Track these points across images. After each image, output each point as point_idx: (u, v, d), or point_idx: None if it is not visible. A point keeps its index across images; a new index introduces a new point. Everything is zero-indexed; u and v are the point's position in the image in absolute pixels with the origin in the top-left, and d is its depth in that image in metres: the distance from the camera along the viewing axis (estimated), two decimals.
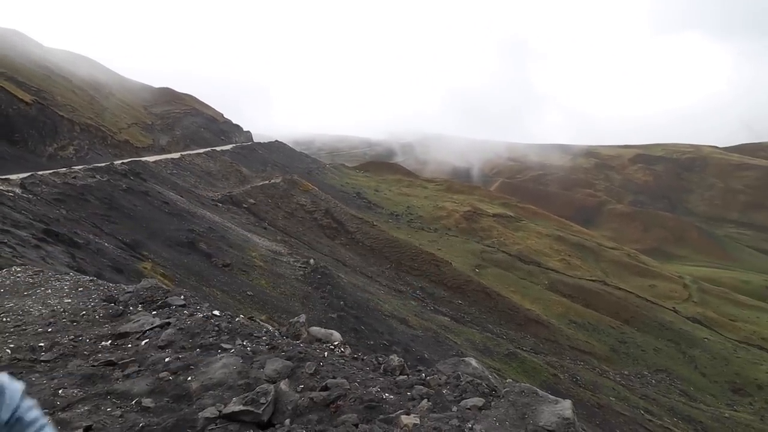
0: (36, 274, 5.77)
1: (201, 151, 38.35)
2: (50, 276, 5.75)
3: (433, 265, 30.94)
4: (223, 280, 13.63)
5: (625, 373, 26.71)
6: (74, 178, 16.27)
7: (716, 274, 57.28)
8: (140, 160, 25.80)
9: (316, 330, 4.52)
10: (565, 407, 2.93)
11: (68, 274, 6.61)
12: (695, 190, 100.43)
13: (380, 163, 75.36)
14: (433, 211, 46.11)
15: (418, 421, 2.84)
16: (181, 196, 21.22)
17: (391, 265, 29.92)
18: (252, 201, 28.82)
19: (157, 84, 54.54)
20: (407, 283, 28.40)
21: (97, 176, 17.17)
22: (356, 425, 2.89)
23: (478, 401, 3.12)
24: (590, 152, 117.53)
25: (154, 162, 27.56)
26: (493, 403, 3.13)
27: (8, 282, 5.37)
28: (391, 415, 2.94)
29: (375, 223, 34.84)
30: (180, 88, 58.11)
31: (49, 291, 5.15)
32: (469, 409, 3.05)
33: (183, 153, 35.03)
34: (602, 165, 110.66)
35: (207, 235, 16.82)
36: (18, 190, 12.88)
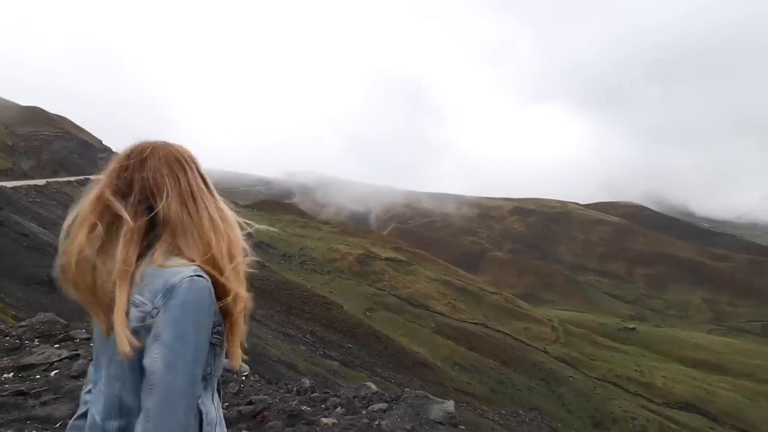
0: None
1: (72, 179, 34.62)
2: None
3: (325, 308, 30.58)
4: (84, 323, 12.16)
5: (503, 412, 28.16)
6: None
7: (578, 317, 63.75)
8: None
9: (225, 362, 4.66)
10: (449, 405, 3.80)
11: None
12: (561, 241, 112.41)
13: (275, 203, 73.96)
14: (326, 253, 45.98)
15: (336, 421, 3.44)
16: (45, 228, 18.83)
17: (282, 308, 29.00)
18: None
19: (25, 101, 48.88)
20: (297, 326, 27.63)
21: None
22: (282, 429, 3.37)
23: (383, 405, 3.85)
24: (475, 203, 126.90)
25: (12, 188, 24.26)
26: (394, 407, 3.84)
27: None
28: (312, 419, 3.49)
29: (266, 264, 33.77)
30: (53, 107, 52.60)
31: None
32: (376, 411, 3.74)
33: (50, 180, 31.34)
34: (485, 215, 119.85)
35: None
36: None
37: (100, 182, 1.18)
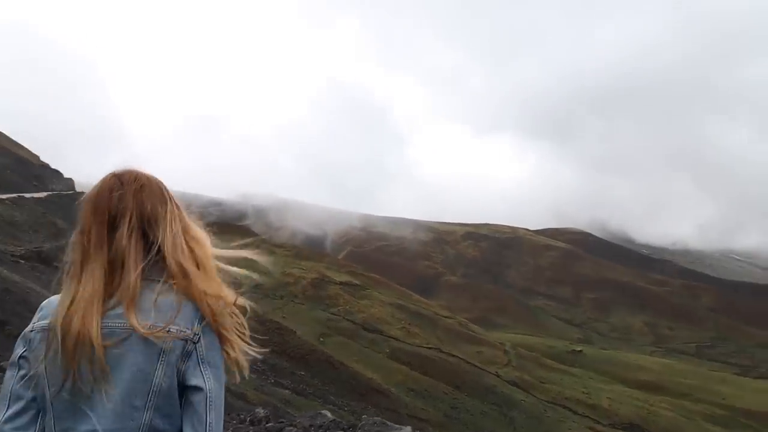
0: None
1: (4, 196, 32.33)
2: None
3: (277, 334, 29.69)
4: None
5: None
6: None
7: (529, 340, 65.12)
8: None
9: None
10: (407, 430, 3.77)
11: None
12: (512, 265, 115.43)
13: (225, 224, 72.02)
14: (280, 277, 44.97)
15: None
16: None
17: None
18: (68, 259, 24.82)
19: None
20: (247, 354, 26.60)
21: None
22: None
23: None
24: (429, 227, 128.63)
25: None
26: None
27: None
28: None
29: None
30: None
31: None
32: None
33: None
34: (439, 239, 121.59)
35: (2, 298, 13.87)
36: None
37: (94, 214, 1.20)
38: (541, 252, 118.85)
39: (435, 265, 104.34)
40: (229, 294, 1.27)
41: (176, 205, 1.30)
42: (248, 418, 4.14)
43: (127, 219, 1.19)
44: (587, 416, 38.82)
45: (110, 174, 1.25)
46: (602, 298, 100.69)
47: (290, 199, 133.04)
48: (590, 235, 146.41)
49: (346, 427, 3.91)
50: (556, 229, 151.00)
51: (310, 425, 3.86)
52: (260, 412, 4.16)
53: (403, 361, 36.34)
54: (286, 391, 23.43)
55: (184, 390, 1.15)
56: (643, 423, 39.68)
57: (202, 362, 1.16)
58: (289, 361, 27.86)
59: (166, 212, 1.24)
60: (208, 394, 1.14)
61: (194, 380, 1.14)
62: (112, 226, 1.18)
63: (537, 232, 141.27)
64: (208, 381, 1.15)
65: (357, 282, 52.39)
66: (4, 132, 47.33)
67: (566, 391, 42.65)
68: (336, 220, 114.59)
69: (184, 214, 1.32)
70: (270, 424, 4.00)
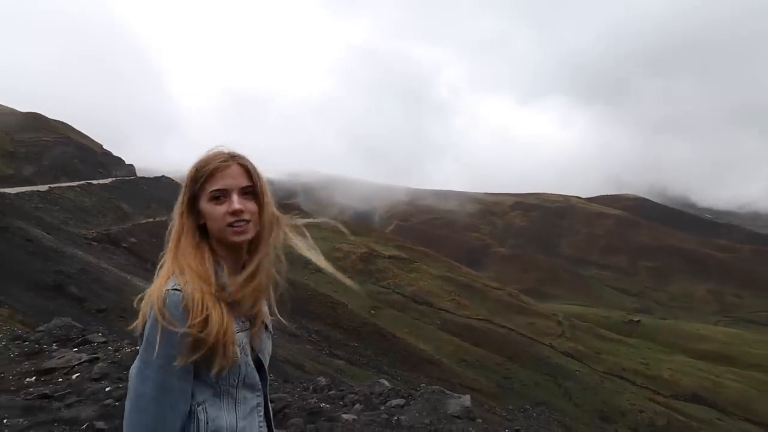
0: None
1: (74, 183, 34.62)
2: None
3: (329, 307, 30.59)
4: (99, 327, 12.16)
5: (510, 407, 28.14)
6: None
7: (583, 311, 63.71)
8: None
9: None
10: (466, 399, 3.86)
11: None
12: (564, 235, 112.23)
13: (276, 203, 73.94)
14: (329, 252, 45.99)
15: (356, 417, 3.44)
16: (48, 234, 18.85)
17: (287, 308, 29.01)
18: (133, 240, 26.44)
19: (26, 108, 48.96)
20: (303, 326, 27.65)
21: None
22: (304, 426, 3.40)
23: (400, 401, 3.87)
24: (477, 199, 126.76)
25: (16, 194, 24.31)
26: (411, 402, 3.86)
27: None
28: (332, 415, 3.49)
29: None
30: (55, 113, 52.61)
31: None
32: (393, 407, 3.78)
33: (52, 185, 31.33)
34: (487, 211, 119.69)
35: (78, 277, 15.02)
36: None
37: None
38: (594, 220, 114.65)
39: (483, 237, 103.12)
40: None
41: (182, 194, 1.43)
42: (311, 386, 4.36)
43: None
44: (646, 387, 37.85)
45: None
46: (661, 267, 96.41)
47: (337, 175, 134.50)
48: (648, 201, 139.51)
49: (405, 395, 4.05)
50: (611, 196, 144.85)
51: (371, 393, 4.02)
52: (321, 380, 4.39)
53: (453, 333, 36.58)
54: (341, 361, 24.24)
55: None
56: (707, 394, 38.26)
57: None
58: (342, 333, 28.72)
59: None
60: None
61: None
62: None
63: (590, 199, 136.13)
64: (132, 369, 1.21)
65: (405, 255, 52.74)
66: (68, 123, 50.35)
67: (623, 362, 41.64)
68: (383, 195, 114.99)
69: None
70: (332, 392, 4.18)
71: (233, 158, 1.28)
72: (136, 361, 1.18)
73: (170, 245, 1.28)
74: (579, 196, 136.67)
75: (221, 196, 1.25)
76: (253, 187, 1.31)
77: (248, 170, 1.30)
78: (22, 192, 25.78)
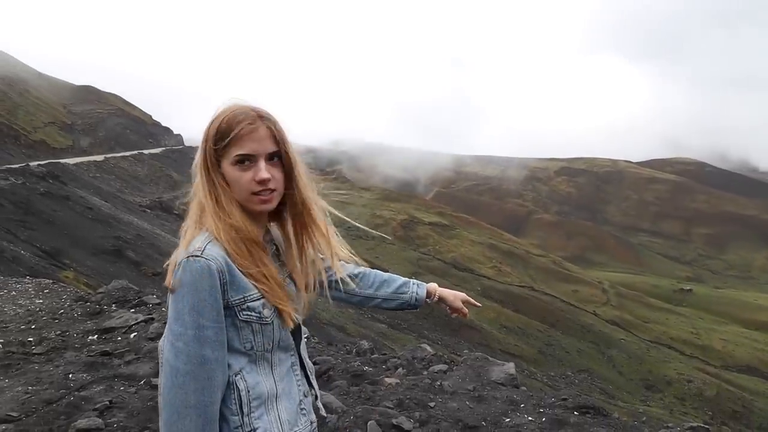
0: None
1: (127, 153, 36.26)
2: (8, 280, 6.15)
3: None
4: (154, 289, 12.96)
5: (552, 374, 28.12)
6: None
7: (630, 279, 61.90)
8: (59, 163, 23.98)
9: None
10: (510, 367, 3.85)
11: (26, 277, 6.88)
12: (612, 201, 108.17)
13: (319, 171, 74.69)
14: (370, 219, 46.42)
15: (398, 381, 3.52)
16: (106, 202, 19.94)
17: None
18: (184, 207, 27.54)
19: (79, 80, 51.04)
20: None
21: (11, 179, 15.78)
22: (347, 388, 3.52)
23: (443, 367, 3.90)
24: (520, 164, 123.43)
25: (75, 165, 25.75)
26: (455, 368, 3.91)
27: None
28: (375, 378, 3.60)
29: None
30: (105, 86, 54.65)
31: (14, 293, 5.49)
32: (436, 372, 3.82)
33: (107, 156, 32.95)
34: (530, 177, 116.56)
35: (135, 243, 15.92)
36: None
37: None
38: (645, 185, 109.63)
39: (526, 203, 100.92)
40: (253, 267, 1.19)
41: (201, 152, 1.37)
42: (354, 349, 4.47)
43: None
44: (696, 357, 36.80)
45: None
46: (718, 234, 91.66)
47: (380, 143, 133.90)
48: (705, 164, 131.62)
49: (448, 360, 4.10)
50: (664, 160, 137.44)
51: (413, 358, 4.09)
52: (364, 344, 4.50)
53: (495, 299, 36.54)
54: (383, 325, 24.80)
55: None
56: (762, 366, 36.81)
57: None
58: None
59: None
60: (160, 355, 1.19)
61: None
62: None
63: (641, 164, 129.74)
64: (162, 341, 1.18)
65: (446, 222, 52.54)
66: (120, 95, 52.22)
67: (672, 331, 40.50)
68: (427, 163, 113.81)
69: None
70: (375, 356, 4.27)
71: (261, 119, 1.17)
72: (165, 333, 1.10)
73: (209, 204, 1.24)
74: (630, 160, 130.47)
75: (246, 161, 1.16)
76: (278, 153, 1.19)
77: (274, 134, 1.18)
78: (80, 162, 27.25)
